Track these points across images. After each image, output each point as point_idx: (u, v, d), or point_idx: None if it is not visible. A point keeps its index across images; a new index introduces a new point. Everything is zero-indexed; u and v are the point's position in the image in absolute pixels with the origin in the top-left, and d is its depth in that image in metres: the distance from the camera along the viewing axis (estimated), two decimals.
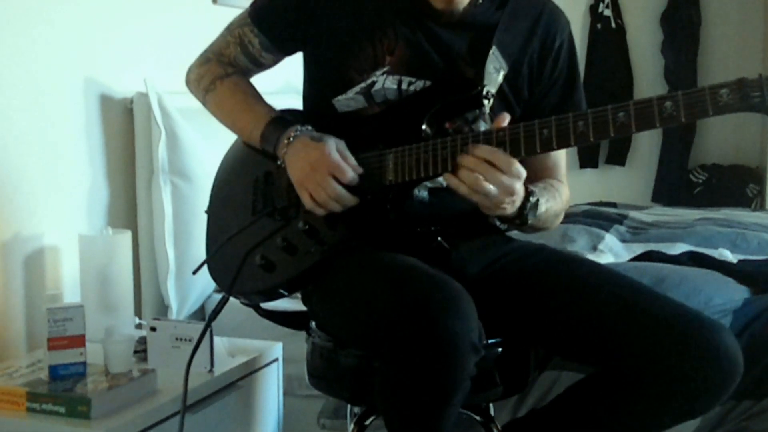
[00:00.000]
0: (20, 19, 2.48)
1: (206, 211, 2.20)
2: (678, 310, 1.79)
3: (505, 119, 1.77)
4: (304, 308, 2.11)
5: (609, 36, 5.80)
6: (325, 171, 1.85)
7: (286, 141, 1.93)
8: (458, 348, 1.59)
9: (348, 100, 1.97)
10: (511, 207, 1.79)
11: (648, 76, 5.79)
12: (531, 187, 1.84)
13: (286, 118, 2.00)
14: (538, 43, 2.01)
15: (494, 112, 1.93)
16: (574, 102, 2.05)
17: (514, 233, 2.10)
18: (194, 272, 2.13)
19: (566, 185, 2.10)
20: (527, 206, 1.83)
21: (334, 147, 1.87)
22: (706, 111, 1.58)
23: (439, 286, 1.64)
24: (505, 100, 1.99)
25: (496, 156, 1.72)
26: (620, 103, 1.66)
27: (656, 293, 1.88)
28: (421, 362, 1.60)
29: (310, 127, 1.95)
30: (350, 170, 1.86)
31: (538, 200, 1.86)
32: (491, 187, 1.72)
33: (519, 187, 1.76)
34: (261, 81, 2.17)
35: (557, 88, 2.05)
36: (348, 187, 1.87)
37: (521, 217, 1.85)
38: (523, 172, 1.75)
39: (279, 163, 1.95)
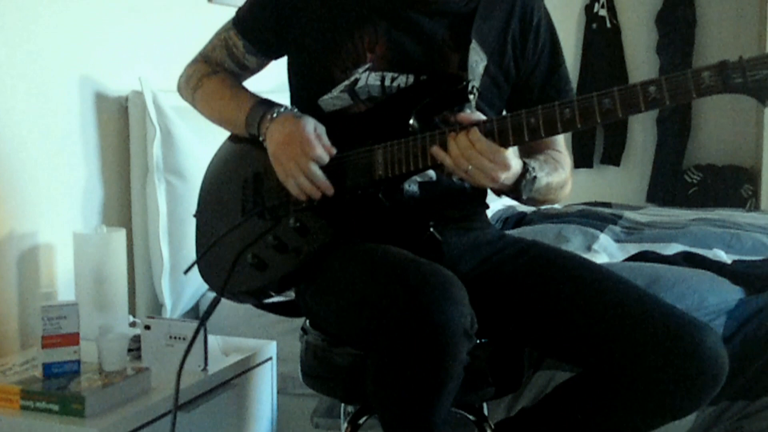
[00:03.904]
0: (15, 18, 2.48)
1: (195, 215, 2.20)
2: (665, 310, 1.80)
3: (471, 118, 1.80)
4: None
5: (604, 36, 5.81)
6: (297, 144, 1.88)
7: (269, 117, 1.95)
8: (451, 334, 1.60)
9: (333, 98, 1.99)
10: (499, 186, 1.82)
11: (643, 76, 5.78)
12: (530, 163, 1.87)
13: (270, 101, 2.02)
14: (517, 22, 2.04)
15: (486, 96, 1.99)
16: (561, 76, 2.09)
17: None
18: (185, 272, 2.14)
19: (567, 154, 2.12)
20: (523, 182, 1.85)
21: (312, 124, 1.90)
22: (690, 93, 1.63)
23: (430, 274, 1.65)
24: (489, 87, 2.01)
25: (481, 144, 1.76)
26: (605, 90, 1.69)
27: (645, 292, 1.88)
28: (414, 349, 1.60)
29: (295, 109, 1.97)
30: (320, 146, 1.88)
31: (535, 177, 1.88)
32: (471, 169, 1.76)
33: (503, 176, 1.78)
34: (256, 80, 2.18)
35: (543, 64, 2.08)
36: (333, 181, 1.89)
37: (517, 192, 1.87)
38: (510, 163, 1.78)
39: (261, 139, 1.97)
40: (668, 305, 1.83)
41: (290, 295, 2.14)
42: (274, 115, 1.95)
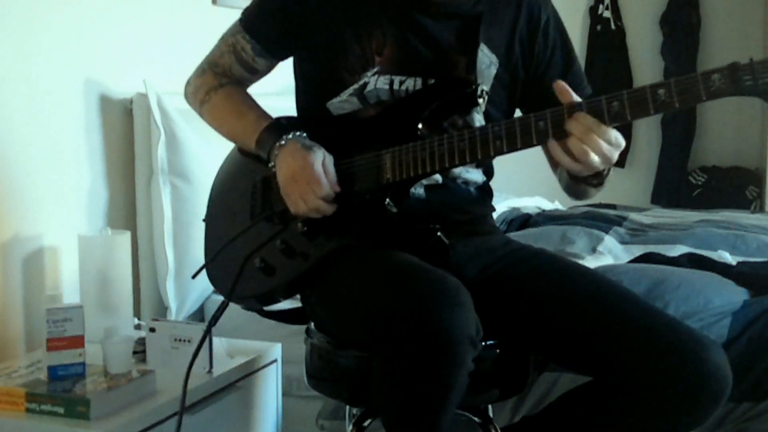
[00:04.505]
0: (20, 20, 2.49)
1: (204, 220, 2.20)
2: (671, 325, 1.79)
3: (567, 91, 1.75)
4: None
5: (609, 37, 5.80)
6: (305, 183, 1.87)
7: (278, 144, 1.94)
8: (456, 342, 1.60)
9: (342, 102, 1.98)
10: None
11: (648, 78, 5.78)
12: None
13: (282, 124, 2.00)
14: (524, 22, 2.03)
15: (491, 103, 1.97)
16: (576, 73, 2.06)
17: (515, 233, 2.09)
18: (193, 276, 2.14)
19: None
20: (608, 169, 1.83)
21: (320, 160, 1.89)
22: (699, 96, 1.61)
23: (436, 281, 1.65)
24: (500, 89, 2.01)
25: (599, 127, 1.70)
26: (614, 93, 1.68)
27: (650, 306, 1.88)
28: (420, 356, 1.60)
29: (304, 134, 1.95)
30: (327, 186, 1.87)
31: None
32: (595, 158, 1.71)
33: (616, 156, 1.75)
34: (262, 82, 2.18)
35: (556, 60, 2.06)
36: (340, 185, 1.89)
37: (600, 177, 1.85)
38: (623, 142, 1.74)
39: (270, 165, 1.96)
40: (674, 320, 1.83)
41: (296, 302, 2.14)
42: (282, 142, 1.93)
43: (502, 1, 2.02)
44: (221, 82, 2.12)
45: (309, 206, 1.87)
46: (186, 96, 2.21)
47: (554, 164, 2.01)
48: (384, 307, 1.64)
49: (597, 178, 1.86)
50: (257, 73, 2.13)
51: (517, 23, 2.02)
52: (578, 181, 1.89)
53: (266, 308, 2.16)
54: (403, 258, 1.80)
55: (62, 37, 2.64)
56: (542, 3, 2.06)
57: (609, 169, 1.83)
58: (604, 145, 1.70)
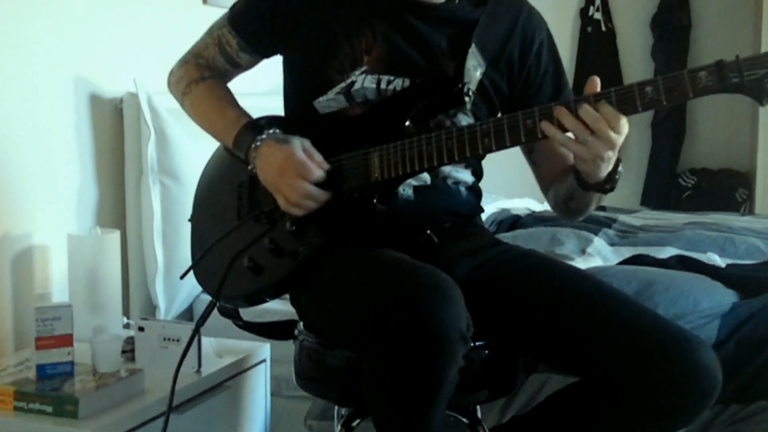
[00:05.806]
0: (10, 19, 2.48)
1: (190, 220, 2.20)
2: (660, 324, 1.79)
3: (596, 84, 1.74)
4: (284, 319, 2.14)
5: (599, 39, 5.80)
6: (293, 172, 1.86)
7: (253, 146, 1.94)
8: (447, 336, 1.59)
9: (329, 101, 1.98)
10: (607, 165, 1.80)
11: (638, 80, 5.77)
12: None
13: (259, 124, 2.00)
14: (518, 42, 2.03)
15: (475, 107, 1.97)
16: (565, 96, 2.05)
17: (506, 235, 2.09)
18: (181, 277, 2.14)
19: None
20: (618, 171, 1.85)
21: (299, 147, 1.89)
22: (687, 93, 1.63)
23: (426, 276, 1.65)
24: (485, 94, 2.01)
25: (606, 110, 1.70)
26: (601, 91, 1.69)
27: (639, 305, 1.88)
28: (410, 351, 1.60)
29: (278, 131, 1.95)
30: (316, 168, 1.87)
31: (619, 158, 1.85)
32: (591, 139, 1.71)
33: (620, 142, 1.75)
34: (251, 81, 2.18)
35: (546, 85, 2.06)
36: (326, 185, 1.88)
37: (612, 181, 1.87)
38: (626, 130, 1.74)
39: (250, 168, 1.96)
40: (664, 320, 1.82)
41: (281, 303, 2.13)
42: (258, 143, 1.93)
43: (501, 11, 2.02)
44: (203, 75, 2.12)
45: (301, 193, 1.87)
46: (168, 85, 2.22)
47: (546, 183, 2.04)
48: (374, 302, 1.64)
49: (609, 182, 1.87)
50: (240, 68, 2.14)
51: (510, 40, 2.01)
52: (587, 189, 1.89)
53: (247, 317, 2.16)
54: (392, 254, 1.80)
55: (53, 36, 2.64)
56: (537, 27, 2.06)
57: (617, 168, 1.85)
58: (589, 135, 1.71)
